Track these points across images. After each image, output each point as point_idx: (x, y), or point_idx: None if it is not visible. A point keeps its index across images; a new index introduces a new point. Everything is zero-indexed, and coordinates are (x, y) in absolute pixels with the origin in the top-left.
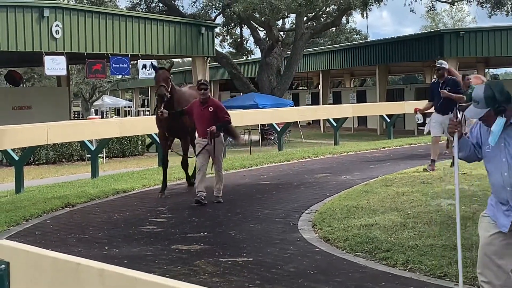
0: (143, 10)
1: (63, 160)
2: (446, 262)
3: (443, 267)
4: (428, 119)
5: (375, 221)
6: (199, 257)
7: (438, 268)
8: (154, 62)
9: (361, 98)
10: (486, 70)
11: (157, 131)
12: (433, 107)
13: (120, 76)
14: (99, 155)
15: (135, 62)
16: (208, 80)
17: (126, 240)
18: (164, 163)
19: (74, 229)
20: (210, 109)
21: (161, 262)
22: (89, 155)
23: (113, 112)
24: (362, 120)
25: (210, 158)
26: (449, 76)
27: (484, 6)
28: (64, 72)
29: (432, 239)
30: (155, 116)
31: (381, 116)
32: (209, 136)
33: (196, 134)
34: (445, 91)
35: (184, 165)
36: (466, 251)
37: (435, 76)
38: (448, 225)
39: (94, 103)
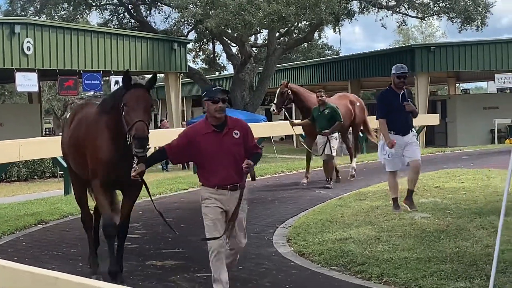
0: (115, 26)
1: (35, 177)
2: (421, 274)
3: (417, 279)
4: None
5: (350, 234)
6: (174, 273)
7: (413, 281)
8: None
9: None
10: (457, 84)
11: None
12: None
13: (92, 93)
14: None
15: (107, 78)
16: (181, 96)
17: (100, 256)
18: (108, 231)
19: (48, 246)
20: (236, 134)
21: (136, 278)
22: (61, 172)
23: None
24: None
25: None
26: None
27: (454, 21)
28: (35, 89)
29: (407, 252)
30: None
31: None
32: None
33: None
34: (410, 103)
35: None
36: (440, 264)
37: (395, 87)
38: (422, 238)
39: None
